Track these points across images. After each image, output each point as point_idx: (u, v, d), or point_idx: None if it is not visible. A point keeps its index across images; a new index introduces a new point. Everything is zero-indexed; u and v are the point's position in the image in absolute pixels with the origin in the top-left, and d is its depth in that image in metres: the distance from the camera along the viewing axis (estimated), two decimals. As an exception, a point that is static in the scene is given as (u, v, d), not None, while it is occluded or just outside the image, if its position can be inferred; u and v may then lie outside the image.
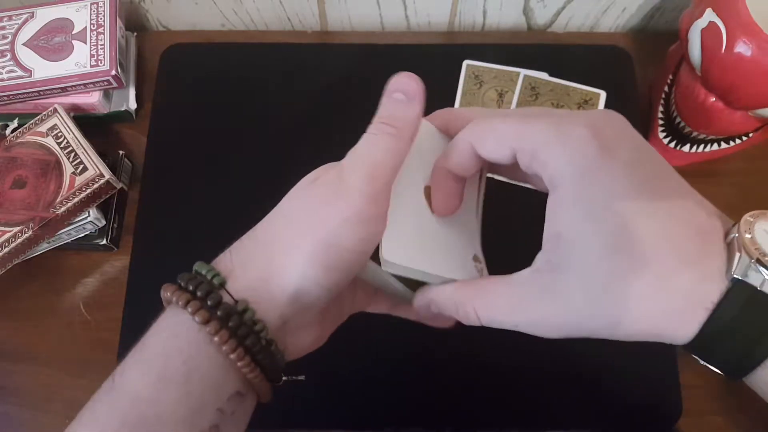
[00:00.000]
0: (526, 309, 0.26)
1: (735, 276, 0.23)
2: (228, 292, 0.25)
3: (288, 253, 0.26)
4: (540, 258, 0.26)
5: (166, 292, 0.26)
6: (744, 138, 0.51)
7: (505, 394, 0.47)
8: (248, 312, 0.25)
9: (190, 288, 0.25)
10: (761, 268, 0.23)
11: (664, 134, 0.53)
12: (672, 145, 0.52)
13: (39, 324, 0.50)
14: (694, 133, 0.50)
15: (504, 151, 0.26)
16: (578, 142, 0.24)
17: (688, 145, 0.52)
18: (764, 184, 0.54)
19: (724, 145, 0.51)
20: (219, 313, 0.24)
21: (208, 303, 0.25)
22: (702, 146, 0.51)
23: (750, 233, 0.24)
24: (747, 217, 0.24)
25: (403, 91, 0.27)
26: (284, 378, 0.28)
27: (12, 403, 0.47)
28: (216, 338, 0.24)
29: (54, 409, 0.47)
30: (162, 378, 0.24)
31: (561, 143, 0.24)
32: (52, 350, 0.49)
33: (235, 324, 0.24)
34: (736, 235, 0.24)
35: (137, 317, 0.49)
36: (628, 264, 0.23)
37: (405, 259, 0.27)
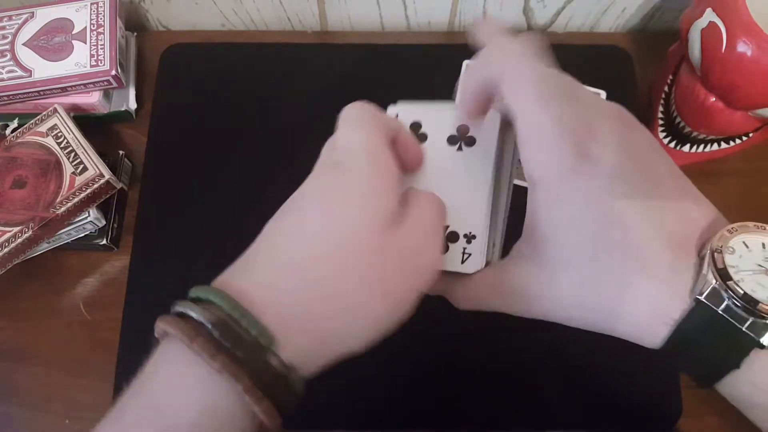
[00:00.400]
0: (504, 295, 0.28)
1: (697, 297, 0.23)
2: (278, 357, 0.22)
3: (357, 317, 0.24)
4: (517, 247, 0.28)
5: (193, 343, 0.21)
6: (744, 138, 0.51)
7: (505, 393, 0.47)
8: (296, 383, 0.22)
9: (225, 343, 0.21)
10: (723, 291, 0.22)
11: (664, 134, 0.53)
12: (672, 145, 0.52)
13: (39, 324, 0.50)
14: (694, 133, 0.50)
15: (510, 113, 0.27)
16: (563, 152, 0.25)
17: (688, 145, 0.52)
18: (764, 184, 0.54)
19: (724, 145, 0.51)
20: (264, 380, 0.21)
21: (251, 367, 0.21)
22: (702, 146, 0.51)
23: (720, 251, 0.23)
24: (724, 231, 0.24)
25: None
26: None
27: (12, 403, 0.47)
28: (258, 409, 0.21)
29: (54, 409, 0.47)
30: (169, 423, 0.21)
31: (548, 148, 0.25)
32: (52, 350, 0.49)
33: (278, 392, 0.22)
34: (708, 251, 0.24)
35: (137, 317, 0.50)
36: (598, 271, 0.24)
37: None
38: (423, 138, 0.31)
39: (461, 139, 0.31)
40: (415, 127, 0.31)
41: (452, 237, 0.29)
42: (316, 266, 0.23)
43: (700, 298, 0.23)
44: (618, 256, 0.24)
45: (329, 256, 0.23)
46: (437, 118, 0.31)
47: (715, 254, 0.23)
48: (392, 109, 0.32)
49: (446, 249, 0.29)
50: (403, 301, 0.26)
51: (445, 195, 0.30)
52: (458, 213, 0.30)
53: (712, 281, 0.23)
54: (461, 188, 0.30)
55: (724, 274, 0.23)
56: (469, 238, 0.29)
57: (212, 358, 0.20)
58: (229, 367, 0.20)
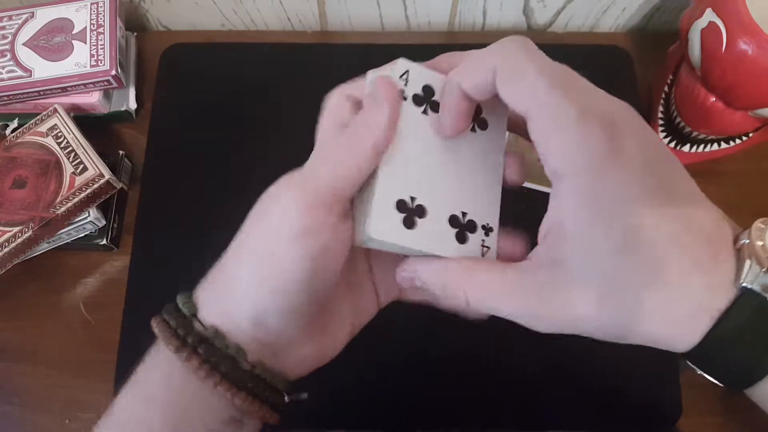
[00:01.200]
0: (523, 300, 0.24)
1: (744, 285, 0.22)
2: (199, 321, 0.26)
3: (236, 280, 0.26)
4: (540, 251, 0.25)
5: (153, 325, 0.26)
6: (744, 138, 0.51)
7: (505, 394, 0.47)
8: (218, 339, 0.25)
9: (169, 321, 0.26)
10: None
11: (665, 134, 0.53)
12: (672, 145, 0.52)
13: (39, 324, 0.50)
14: (694, 133, 0.50)
15: (519, 107, 0.24)
16: (595, 140, 0.23)
17: (688, 145, 0.52)
18: (765, 184, 0.54)
19: (724, 145, 0.51)
20: (189, 340, 0.25)
21: (181, 333, 0.25)
22: (702, 146, 0.51)
23: (762, 240, 0.23)
24: (758, 223, 0.23)
25: (375, 92, 0.27)
26: (288, 398, 0.28)
27: (12, 403, 0.47)
28: (189, 364, 0.24)
29: (54, 408, 0.47)
30: (149, 401, 0.26)
31: (577, 137, 0.23)
32: (52, 350, 0.49)
33: (205, 350, 0.25)
34: (747, 241, 0.23)
35: (137, 317, 0.50)
36: (636, 268, 0.22)
37: (393, 236, 0.25)
38: (435, 107, 0.27)
39: (475, 119, 0.28)
40: (428, 92, 0.27)
41: (471, 226, 0.27)
42: (229, 264, 0.27)
43: (747, 285, 0.22)
44: (654, 252, 0.22)
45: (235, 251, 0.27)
46: None
47: (758, 243, 0.23)
48: (402, 64, 0.28)
49: (465, 239, 0.27)
50: (261, 251, 0.25)
51: (458, 178, 0.27)
52: (474, 200, 0.27)
53: (757, 269, 0.22)
54: (476, 173, 0.28)
55: None
56: (487, 230, 0.27)
57: (156, 327, 0.26)
58: (165, 333, 0.25)
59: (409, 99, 0.27)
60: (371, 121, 0.25)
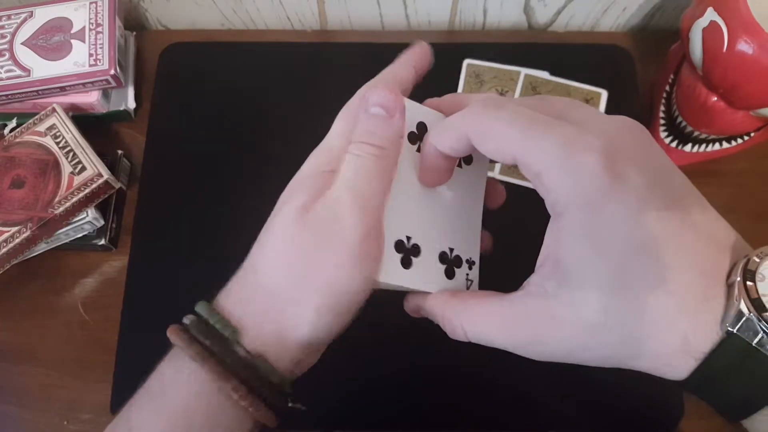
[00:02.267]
0: (517, 332, 0.25)
1: (728, 329, 0.22)
2: (243, 347, 0.25)
3: (298, 307, 0.25)
4: (535, 281, 0.25)
5: (177, 340, 0.25)
6: (745, 138, 0.50)
7: (506, 394, 0.47)
8: (263, 366, 0.25)
9: (203, 340, 0.25)
10: (757, 323, 0.21)
11: (666, 134, 0.53)
12: (673, 144, 0.52)
13: (37, 324, 0.49)
14: (696, 133, 0.50)
15: (505, 158, 0.24)
16: (588, 173, 0.22)
17: (689, 145, 0.51)
18: (765, 184, 0.54)
19: (725, 145, 0.51)
20: (229, 361, 0.24)
21: (227, 360, 0.24)
22: (703, 146, 0.51)
23: (752, 279, 0.22)
24: (753, 256, 0.23)
25: (382, 105, 0.26)
26: (291, 404, 0.28)
27: (10, 403, 0.47)
28: (235, 396, 0.24)
29: (52, 408, 0.47)
30: (172, 419, 0.25)
31: (569, 171, 0.22)
32: (51, 350, 0.49)
33: (252, 379, 0.24)
34: (738, 279, 0.22)
35: (136, 317, 0.49)
36: (629, 303, 0.22)
37: (397, 278, 0.26)
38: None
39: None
40: (421, 128, 0.28)
41: (457, 262, 0.28)
42: (259, 273, 0.26)
43: (732, 330, 0.22)
44: (649, 286, 0.22)
45: (263, 261, 0.26)
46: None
47: (748, 283, 0.22)
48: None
49: (453, 274, 0.27)
50: (332, 276, 0.25)
51: (445, 214, 0.28)
52: (458, 235, 0.28)
53: (745, 312, 0.22)
54: (460, 208, 0.28)
55: (758, 305, 0.21)
56: (470, 264, 0.28)
57: (188, 347, 0.24)
58: (201, 355, 0.24)
59: (405, 137, 0.27)
60: (394, 137, 0.26)
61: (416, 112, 0.28)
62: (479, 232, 0.29)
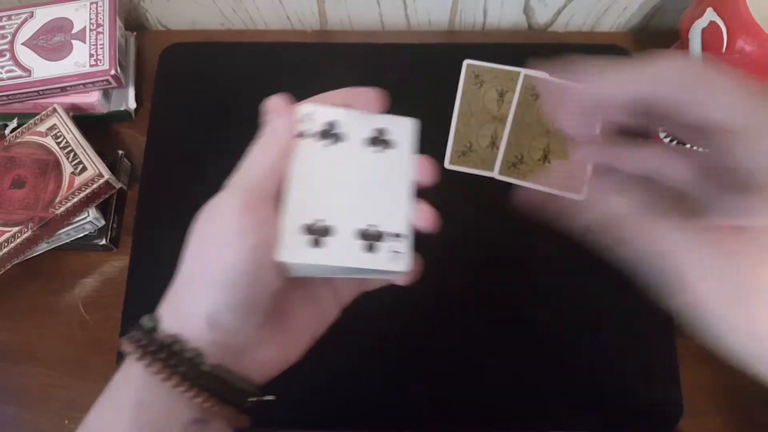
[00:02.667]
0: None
1: None
2: (160, 333, 0.28)
3: (190, 287, 0.28)
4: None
5: (122, 342, 0.28)
6: (745, 138, 0.50)
7: (506, 394, 0.47)
8: (177, 344, 0.27)
9: (134, 335, 0.28)
10: None
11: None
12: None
13: (38, 324, 0.49)
14: (695, 133, 0.50)
15: (720, 121, 0.24)
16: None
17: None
18: (765, 183, 0.54)
19: (725, 145, 0.51)
20: (151, 348, 0.27)
21: (143, 343, 0.27)
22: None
23: None
24: None
25: (271, 109, 0.31)
26: (253, 399, 0.29)
27: (11, 402, 0.47)
28: (149, 368, 0.26)
29: (52, 408, 0.47)
30: (119, 407, 0.27)
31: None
32: (51, 350, 0.49)
33: (165, 355, 0.26)
34: None
35: (136, 317, 0.49)
36: None
37: (300, 256, 0.28)
38: (340, 138, 0.30)
39: (380, 141, 0.31)
40: (331, 126, 0.31)
41: (379, 236, 0.29)
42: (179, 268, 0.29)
43: None
44: None
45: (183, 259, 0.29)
46: (354, 119, 0.31)
47: None
48: (305, 108, 0.31)
49: (374, 249, 0.29)
50: (217, 252, 0.27)
51: (366, 195, 0.30)
52: (383, 212, 0.30)
53: None
54: (384, 188, 0.30)
55: None
56: (397, 236, 0.30)
57: (125, 344, 0.28)
58: (134, 350, 0.27)
59: (313, 136, 0.30)
60: (275, 130, 0.30)
61: (323, 112, 0.31)
62: (409, 208, 0.30)
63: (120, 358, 0.48)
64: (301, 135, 0.30)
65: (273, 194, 0.28)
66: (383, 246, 0.29)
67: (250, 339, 0.28)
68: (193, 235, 0.28)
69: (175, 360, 0.26)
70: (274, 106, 0.31)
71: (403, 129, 0.32)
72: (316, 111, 0.31)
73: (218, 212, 0.28)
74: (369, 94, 0.31)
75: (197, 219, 0.29)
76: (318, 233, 0.28)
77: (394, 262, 0.29)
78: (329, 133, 0.30)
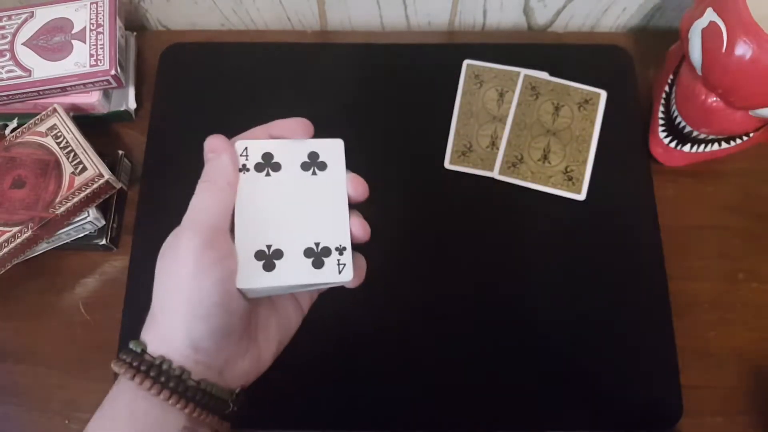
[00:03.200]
0: None
1: None
2: (149, 354, 0.30)
3: (170, 318, 0.30)
4: None
5: (112, 366, 0.30)
6: (745, 138, 0.51)
7: (506, 394, 0.47)
8: (165, 363, 0.29)
9: (125, 358, 0.30)
10: None
11: (665, 134, 0.53)
12: (672, 144, 0.52)
13: (38, 324, 0.50)
14: (695, 133, 0.50)
15: None
16: None
17: (688, 145, 0.52)
18: (765, 183, 0.54)
19: (724, 145, 0.51)
20: (142, 368, 0.29)
21: (135, 364, 0.30)
22: (702, 146, 0.51)
23: None
24: None
25: (210, 149, 0.32)
26: (233, 408, 0.32)
27: (11, 402, 0.47)
28: (141, 385, 0.29)
29: (53, 408, 0.47)
30: (114, 421, 0.30)
31: None
32: (52, 350, 0.49)
33: (155, 373, 0.29)
34: None
35: (137, 317, 0.49)
36: None
37: (257, 281, 0.30)
38: (277, 167, 0.33)
39: (313, 164, 0.33)
40: (267, 157, 0.33)
41: (325, 252, 0.32)
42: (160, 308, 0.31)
43: None
44: None
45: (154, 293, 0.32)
46: (287, 148, 0.33)
47: None
48: (240, 144, 0.33)
49: (322, 264, 0.32)
50: (183, 287, 0.29)
51: (308, 216, 0.32)
52: (325, 229, 0.32)
53: None
54: (323, 207, 0.33)
55: None
56: (340, 250, 0.32)
57: (118, 365, 0.30)
58: (126, 370, 0.29)
59: (252, 169, 0.33)
60: (218, 167, 0.32)
61: (259, 145, 0.33)
62: (347, 222, 0.33)
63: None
64: (241, 169, 0.32)
65: (227, 227, 0.31)
66: (329, 260, 0.32)
67: (227, 356, 0.31)
68: (162, 271, 0.31)
69: (164, 377, 0.29)
70: (213, 145, 0.33)
71: (334, 150, 0.34)
72: (252, 145, 0.33)
73: (181, 252, 0.30)
74: (296, 124, 0.34)
75: (161, 255, 0.31)
76: (269, 258, 0.31)
77: (341, 273, 0.32)
78: (266, 164, 0.33)
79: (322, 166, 0.34)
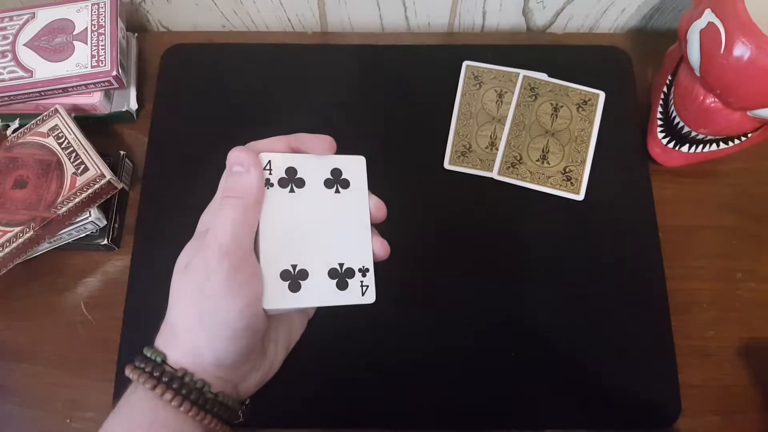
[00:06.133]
0: None
1: None
2: (169, 366, 0.30)
3: (196, 337, 0.30)
4: None
5: (128, 372, 0.31)
6: (743, 138, 0.51)
7: (505, 394, 0.47)
8: (187, 376, 0.30)
9: (143, 367, 0.30)
10: None
11: (663, 134, 0.53)
12: (671, 145, 0.52)
13: (40, 324, 0.50)
14: (693, 134, 0.51)
15: None
16: None
17: (687, 146, 0.52)
18: (763, 184, 0.54)
19: (723, 146, 0.51)
20: (164, 379, 0.30)
21: (154, 374, 0.30)
22: (701, 146, 0.52)
23: None
24: None
25: (237, 162, 0.31)
26: (242, 419, 0.33)
27: (13, 402, 0.48)
28: (163, 397, 0.29)
29: (55, 408, 0.47)
30: (129, 427, 0.30)
31: None
32: (53, 350, 0.49)
33: (177, 385, 0.30)
34: None
35: (138, 317, 0.50)
36: None
37: (283, 302, 0.30)
38: (300, 183, 0.32)
39: (336, 182, 0.33)
40: (291, 172, 0.32)
41: (349, 273, 0.32)
42: (170, 319, 0.32)
43: None
44: None
45: (170, 311, 0.32)
46: (311, 163, 0.33)
47: None
48: (264, 157, 0.32)
49: (346, 285, 0.32)
50: (212, 309, 0.29)
51: (332, 235, 0.32)
52: (348, 250, 0.32)
53: None
54: (346, 226, 0.33)
55: None
56: (364, 271, 0.32)
57: (131, 372, 0.31)
58: (142, 376, 0.30)
59: (276, 184, 0.32)
60: (247, 182, 0.31)
61: (284, 159, 0.32)
62: (369, 243, 0.33)
63: (121, 359, 0.49)
64: (265, 184, 0.31)
65: (252, 246, 0.30)
66: (352, 282, 0.32)
67: (246, 370, 0.32)
68: (184, 290, 0.31)
69: (185, 390, 0.30)
70: (240, 159, 0.31)
71: (356, 167, 0.34)
72: (275, 158, 0.32)
73: (211, 275, 0.29)
74: (321, 142, 0.33)
75: (184, 271, 0.31)
76: (294, 278, 0.31)
77: (365, 295, 0.32)
78: (290, 179, 0.32)
79: (345, 184, 0.33)
